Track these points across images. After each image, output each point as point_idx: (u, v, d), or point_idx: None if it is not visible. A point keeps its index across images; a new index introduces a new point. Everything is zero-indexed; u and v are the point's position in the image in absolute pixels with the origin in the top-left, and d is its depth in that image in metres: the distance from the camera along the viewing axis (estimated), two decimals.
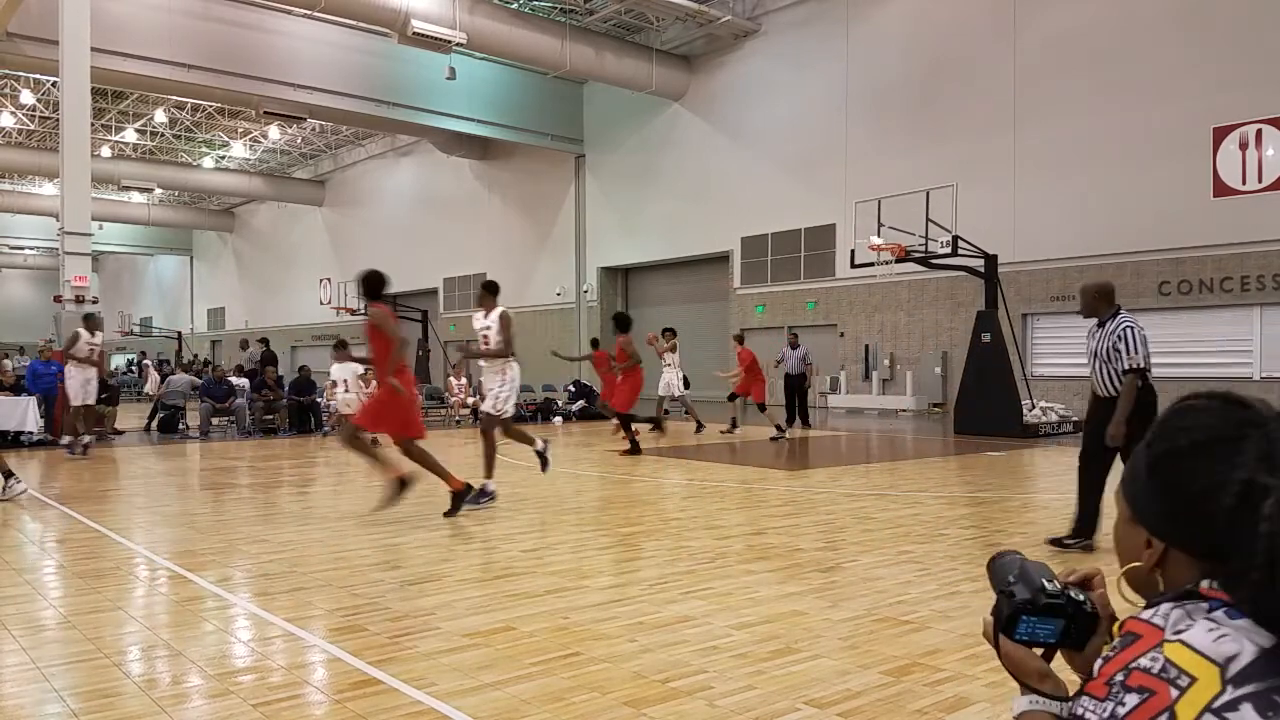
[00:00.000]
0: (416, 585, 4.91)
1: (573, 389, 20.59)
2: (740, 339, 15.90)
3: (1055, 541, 5.71)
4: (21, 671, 3.53)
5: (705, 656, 3.64)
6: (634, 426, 12.38)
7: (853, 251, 16.45)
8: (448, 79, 23.29)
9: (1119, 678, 0.93)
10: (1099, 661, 0.97)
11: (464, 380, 19.19)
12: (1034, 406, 14.72)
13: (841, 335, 22.40)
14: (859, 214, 16.49)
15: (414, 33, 19.83)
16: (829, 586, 4.80)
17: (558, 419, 18.85)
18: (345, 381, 14.29)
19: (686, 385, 15.81)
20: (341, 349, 14.13)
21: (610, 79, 24.57)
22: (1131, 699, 0.90)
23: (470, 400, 18.83)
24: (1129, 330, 5.48)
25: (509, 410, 7.89)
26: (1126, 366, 5.44)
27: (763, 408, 14.88)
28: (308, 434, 15.93)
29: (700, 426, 15.46)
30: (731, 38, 23.90)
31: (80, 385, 12.23)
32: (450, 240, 33.64)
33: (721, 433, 15.14)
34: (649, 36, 25.13)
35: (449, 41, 20.43)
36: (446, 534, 6.47)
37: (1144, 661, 0.92)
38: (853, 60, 21.74)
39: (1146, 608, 1.00)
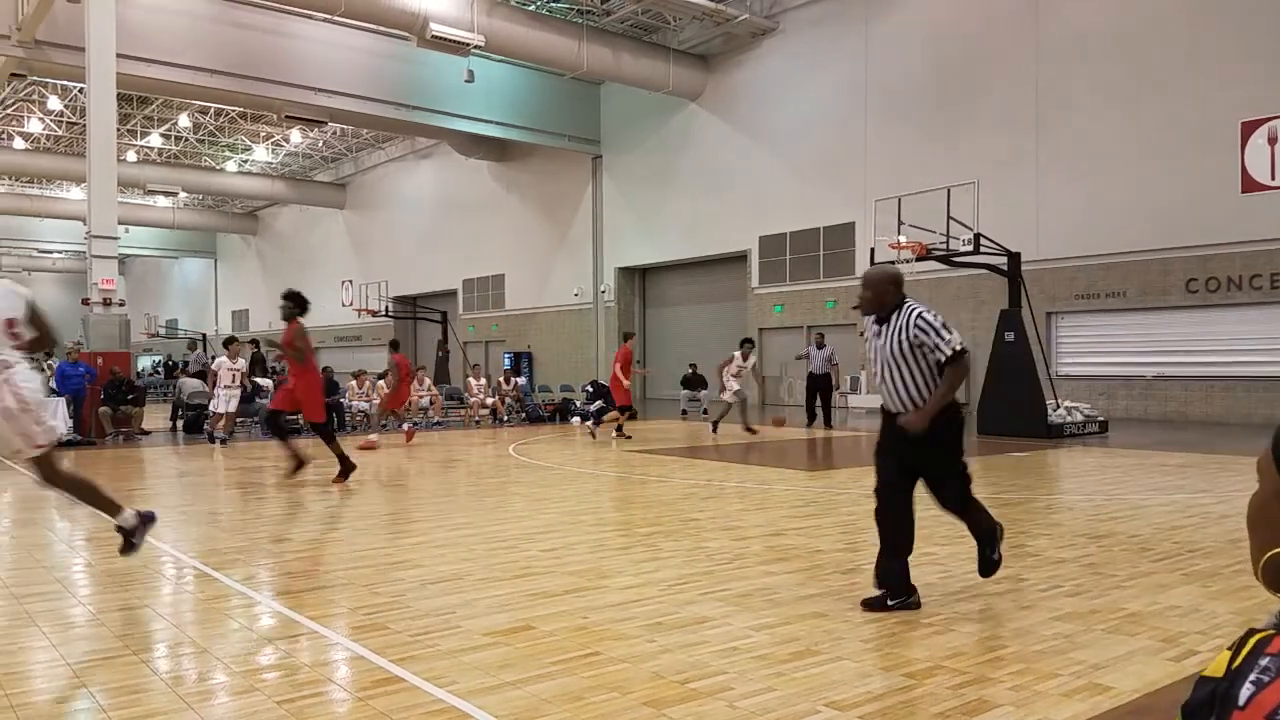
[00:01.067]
0: (437, 584, 4.93)
1: (590, 389, 20.60)
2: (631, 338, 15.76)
3: (871, 604, 4.37)
4: (52, 668, 3.59)
5: (725, 657, 3.64)
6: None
7: (873, 250, 16.34)
8: (466, 82, 23.39)
9: None
10: (1247, 688, 0.79)
11: (483, 380, 19.25)
12: (1058, 406, 14.58)
13: (862, 334, 22.28)
14: (879, 212, 16.41)
15: (433, 36, 19.92)
16: (850, 588, 4.78)
17: (576, 419, 18.86)
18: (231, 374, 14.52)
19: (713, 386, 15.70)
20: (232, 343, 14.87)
21: (627, 79, 24.59)
22: None
23: (489, 400, 18.90)
24: (925, 317, 4.35)
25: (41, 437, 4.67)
26: (949, 353, 4.29)
27: (608, 410, 14.55)
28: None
29: (716, 427, 15.28)
30: (749, 36, 23.85)
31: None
32: (469, 242, 33.77)
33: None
34: (666, 36, 25.12)
35: (467, 44, 20.51)
36: (467, 533, 6.50)
37: None
38: (872, 57, 21.64)
39: None
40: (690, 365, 21.16)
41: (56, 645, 3.87)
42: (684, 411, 20.17)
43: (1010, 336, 14.31)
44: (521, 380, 22.21)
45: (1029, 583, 4.91)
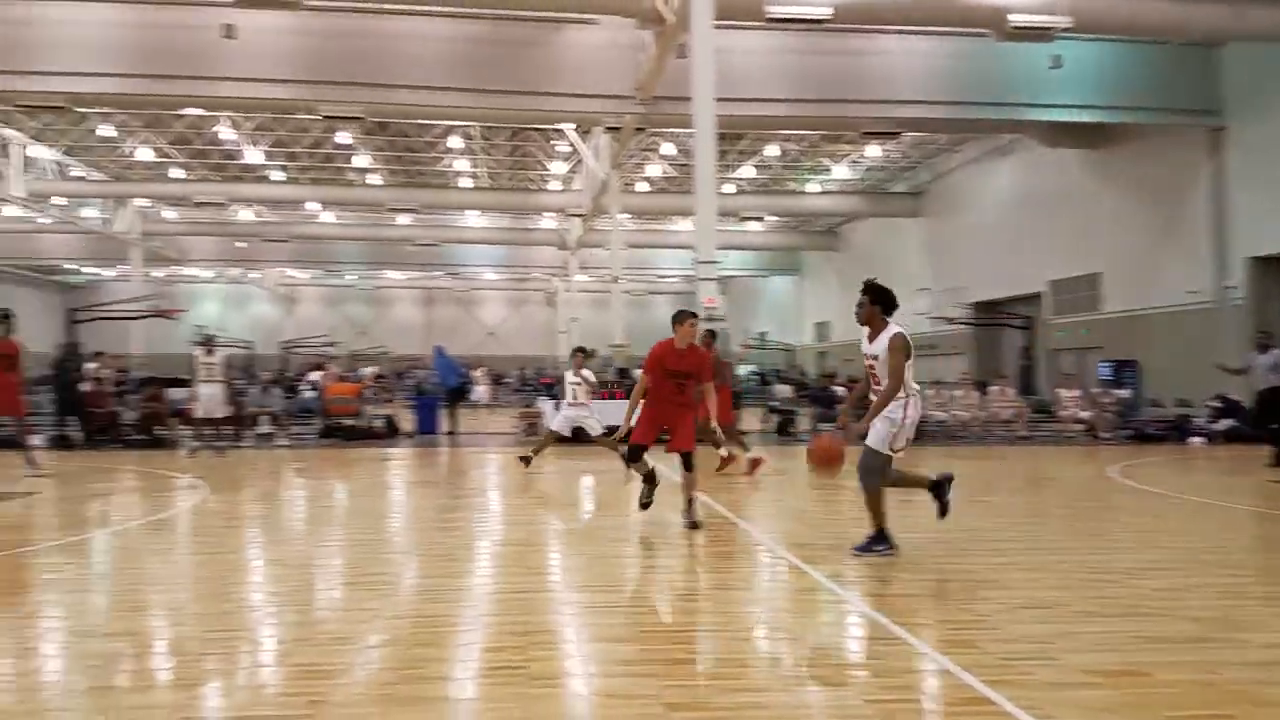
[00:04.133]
0: (1029, 610, 4.56)
1: (1219, 404, 17.53)
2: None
3: None
4: (667, 635, 4.13)
5: None
6: None
7: None
8: (1051, 68, 21.83)
9: None
10: None
11: (1076, 392, 17.61)
12: None
13: None
14: None
15: (1013, 27, 18.96)
16: None
17: (1196, 439, 16.21)
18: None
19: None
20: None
21: (1255, 34, 20.47)
22: None
23: (1084, 414, 17.24)
24: None
25: None
26: None
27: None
28: None
29: None
30: None
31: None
32: (1055, 240, 31.33)
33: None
34: None
35: (1052, 29, 19.09)
36: (1060, 559, 5.95)
37: None
38: None
39: None
40: None
41: (675, 614, 4.44)
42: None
43: None
44: (1125, 392, 19.94)
45: None
